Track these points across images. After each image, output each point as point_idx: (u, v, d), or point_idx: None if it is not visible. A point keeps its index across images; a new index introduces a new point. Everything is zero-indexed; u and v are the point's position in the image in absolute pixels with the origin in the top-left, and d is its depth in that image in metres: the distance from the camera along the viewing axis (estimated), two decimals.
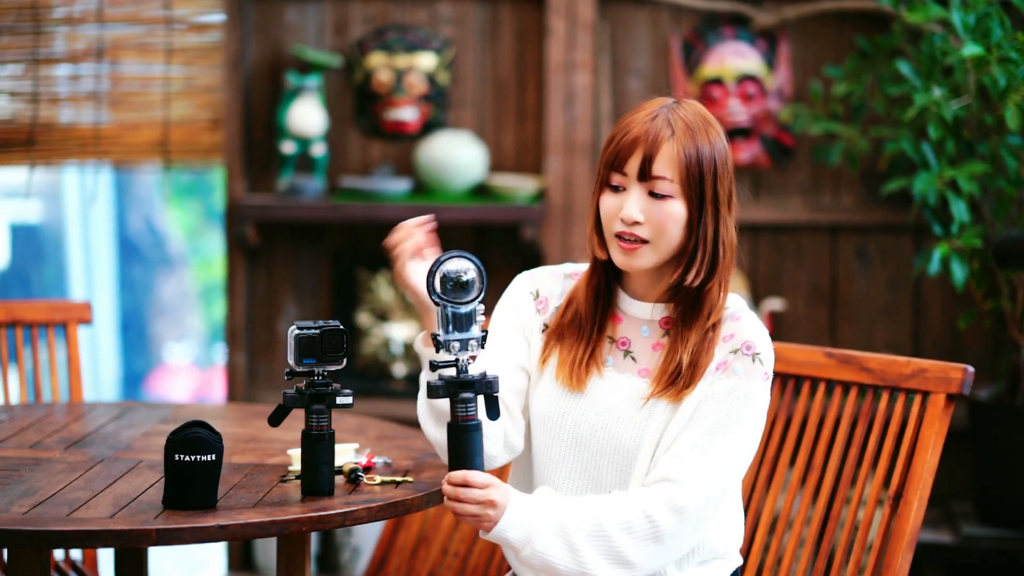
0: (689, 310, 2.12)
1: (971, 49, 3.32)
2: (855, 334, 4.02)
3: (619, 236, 2.10)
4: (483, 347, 2.01)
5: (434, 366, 2.00)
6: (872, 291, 4.03)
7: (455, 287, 2.00)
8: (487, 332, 2.03)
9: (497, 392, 2.01)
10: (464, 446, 1.99)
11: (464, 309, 2.00)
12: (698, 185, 2.08)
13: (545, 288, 2.24)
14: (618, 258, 2.11)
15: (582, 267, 2.24)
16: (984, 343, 3.98)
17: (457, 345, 2.00)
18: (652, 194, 2.08)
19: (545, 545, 2.00)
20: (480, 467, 1.99)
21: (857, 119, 3.79)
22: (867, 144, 3.77)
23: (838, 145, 3.78)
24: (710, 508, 2.05)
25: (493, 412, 2.01)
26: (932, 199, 3.51)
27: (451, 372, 2.00)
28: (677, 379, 2.09)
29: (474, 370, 2.00)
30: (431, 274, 2.00)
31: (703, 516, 2.05)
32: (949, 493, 3.94)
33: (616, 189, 2.10)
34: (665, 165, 2.07)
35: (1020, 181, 3.49)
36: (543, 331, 2.21)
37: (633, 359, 2.15)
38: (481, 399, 2.01)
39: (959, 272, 3.46)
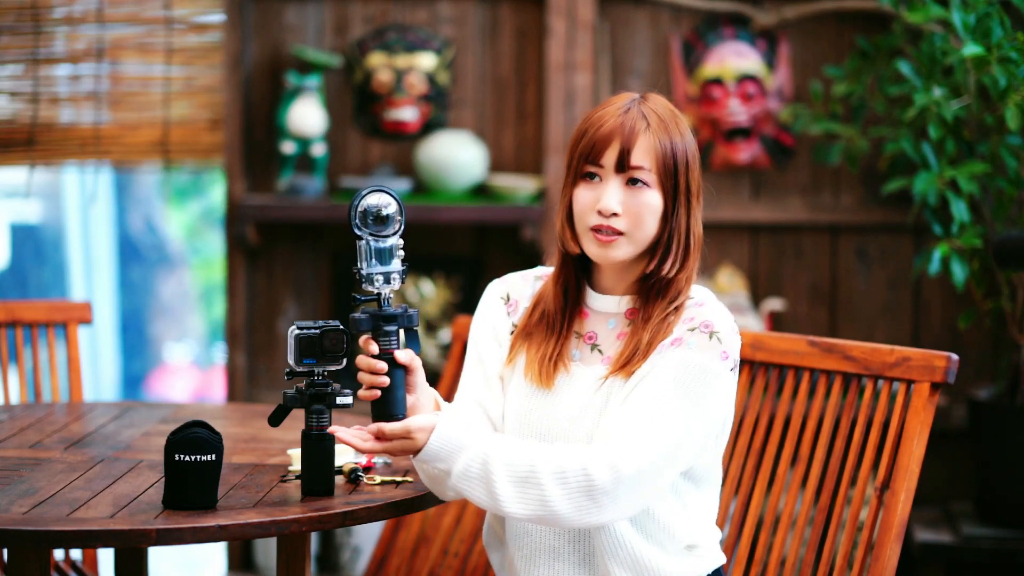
0: (654, 297, 2.13)
1: (971, 49, 3.32)
2: (855, 334, 4.02)
3: (596, 229, 2.10)
4: (403, 281, 2.07)
5: (356, 301, 2.07)
6: (872, 291, 4.03)
7: (376, 220, 2.06)
8: (407, 265, 2.09)
9: (416, 325, 2.07)
10: (389, 377, 2.05)
11: (385, 243, 2.06)
12: (673, 176, 2.10)
13: (516, 291, 2.25)
14: (593, 251, 2.12)
15: (552, 269, 2.24)
16: (984, 343, 3.98)
17: (380, 278, 2.06)
18: (631, 182, 2.09)
19: (462, 469, 2.03)
20: (403, 399, 2.06)
21: (857, 119, 3.79)
22: (867, 144, 3.77)
23: (838, 145, 3.78)
24: (650, 475, 2.03)
25: (415, 345, 2.08)
26: (932, 199, 3.51)
27: (374, 306, 2.07)
28: (634, 356, 2.10)
29: (395, 306, 2.07)
30: (352, 208, 2.05)
31: (640, 481, 2.02)
32: (949, 493, 3.94)
33: (591, 180, 2.11)
34: (643, 155, 2.09)
35: (1020, 181, 3.49)
36: (512, 333, 2.23)
37: (600, 351, 2.17)
38: (402, 332, 2.08)
39: (959, 272, 3.46)
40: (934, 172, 3.49)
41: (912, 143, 3.54)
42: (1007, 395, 3.66)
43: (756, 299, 4.03)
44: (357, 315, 2.05)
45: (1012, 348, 3.67)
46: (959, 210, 3.46)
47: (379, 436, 2.04)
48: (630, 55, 4.04)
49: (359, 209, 2.06)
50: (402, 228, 2.07)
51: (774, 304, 3.97)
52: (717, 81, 3.98)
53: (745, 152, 3.99)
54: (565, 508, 2.02)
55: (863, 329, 4.02)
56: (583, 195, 2.12)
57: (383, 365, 2.04)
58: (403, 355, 2.06)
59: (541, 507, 2.02)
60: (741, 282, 3.97)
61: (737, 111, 3.97)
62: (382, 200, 2.06)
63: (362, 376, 2.06)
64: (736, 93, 3.97)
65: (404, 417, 2.06)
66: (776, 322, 4.01)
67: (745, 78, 3.97)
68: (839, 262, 4.04)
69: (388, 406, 2.05)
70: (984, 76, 3.38)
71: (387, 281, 2.06)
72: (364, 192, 2.06)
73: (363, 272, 2.06)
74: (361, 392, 2.08)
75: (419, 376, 2.11)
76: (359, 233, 2.05)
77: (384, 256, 2.06)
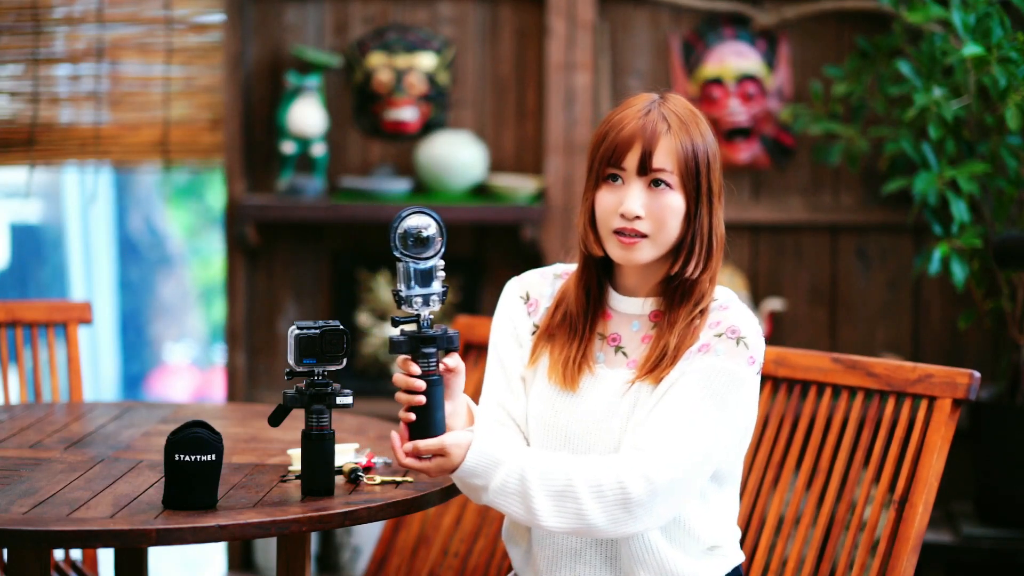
0: (678, 301, 2.13)
1: (971, 49, 3.32)
2: (855, 334, 4.02)
3: (619, 232, 2.10)
4: (443, 302, 2.06)
5: (396, 322, 2.05)
6: (872, 291, 4.03)
7: (416, 243, 2.04)
8: (447, 288, 2.07)
9: (456, 347, 2.06)
10: (428, 400, 2.03)
11: (425, 265, 2.04)
12: (695, 177, 2.10)
13: (535, 290, 2.25)
14: (617, 253, 2.12)
15: (572, 267, 2.24)
16: (984, 343, 3.98)
17: (419, 300, 2.04)
18: (653, 184, 2.09)
19: (500, 485, 2.03)
20: (442, 420, 2.05)
21: (857, 119, 3.79)
22: (867, 144, 3.77)
23: (838, 145, 3.78)
24: (683, 485, 2.05)
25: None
26: (932, 199, 3.51)
27: (413, 327, 2.05)
28: (661, 361, 2.10)
29: (435, 326, 2.05)
30: (392, 229, 2.03)
31: (674, 491, 2.04)
32: (949, 493, 3.94)
33: (613, 183, 2.11)
34: (665, 157, 2.09)
35: (1020, 181, 3.49)
36: (533, 333, 2.22)
37: (624, 354, 2.16)
38: (441, 355, 2.07)
39: (959, 272, 3.46)
40: (934, 172, 3.49)
41: (912, 143, 3.54)
42: (1007, 395, 3.66)
43: (756, 299, 4.03)
44: (395, 337, 2.03)
45: (1012, 348, 3.67)
46: (959, 210, 3.46)
47: (415, 454, 2.03)
48: (630, 55, 4.04)
49: (399, 231, 2.03)
50: (443, 249, 2.05)
51: (774, 304, 3.97)
52: (717, 81, 3.98)
53: (745, 152, 3.99)
54: (601, 520, 2.03)
55: (863, 329, 4.02)
56: (605, 198, 2.12)
57: (421, 384, 2.03)
58: (452, 360, 2.06)
59: (577, 520, 2.03)
60: (741, 282, 3.97)
61: (737, 111, 3.97)
62: (422, 222, 2.04)
63: (399, 396, 2.05)
64: (736, 93, 3.97)
65: None
66: (776, 322, 4.01)
67: (745, 78, 3.97)
68: (839, 262, 4.04)
69: (426, 428, 2.04)
70: (984, 76, 3.38)
71: (426, 303, 2.04)
72: (404, 214, 2.04)
73: (402, 294, 2.03)
74: (400, 413, 2.07)
75: (459, 380, 2.11)
76: (398, 255, 2.03)
77: (424, 278, 2.04)
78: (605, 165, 2.11)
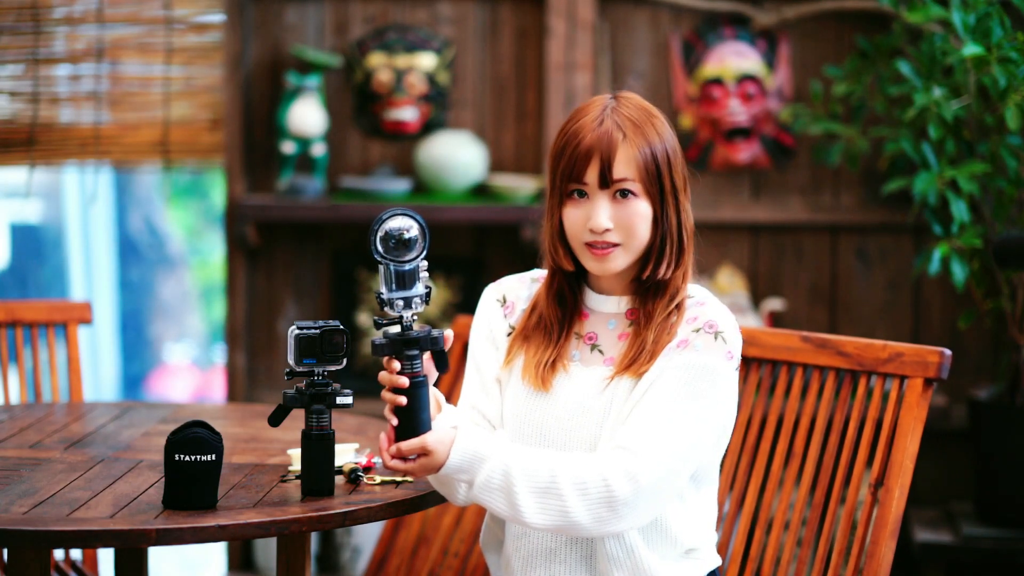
0: (652, 296, 2.14)
1: (971, 49, 3.32)
2: (855, 334, 4.01)
3: (590, 245, 2.11)
4: (427, 303, 2.04)
5: (378, 325, 2.03)
6: (872, 291, 4.03)
7: (397, 245, 2.02)
8: (431, 288, 2.05)
9: (442, 347, 2.04)
10: (412, 401, 2.02)
11: (407, 267, 2.02)
12: (657, 180, 2.11)
13: (512, 293, 2.26)
14: (592, 266, 2.13)
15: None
16: (984, 343, 3.98)
17: (401, 303, 2.02)
18: (619, 194, 2.09)
19: (484, 481, 2.03)
20: (427, 421, 2.03)
21: (857, 119, 3.79)
22: (867, 144, 3.77)
23: (838, 145, 3.78)
24: (666, 483, 2.05)
25: (442, 366, 2.06)
26: (932, 199, 3.51)
27: (396, 329, 2.03)
28: (640, 356, 2.10)
29: (418, 327, 2.03)
30: (373, 232, 2.01)
31: (658, 489, 2.04)
32: (949, 493, 3.94)
33: (578, 197, 2.11)
34: (624, 167, 2.09)
35: (1020, 181, 3.49)
36: (508, 334, 2.23)
37: (600, 352, 2.17)
38: (428, 355, 2.05)
39: (959, 272, 3.46)
40: (934, 172, 3.49)
41: (912, 143, 3.54)
42: (1007, 395, 3.66)
43: (756, 299, 4.03)
44: (377, 340, 2.02)
45: (1012, 348, 3.66)
46: (959, 210, 3.46)
47: (399, 455, 2.03)
48: (630, 55, 4.04)
49: (379, 233, 2.01)
50: (425, 250, 2.03)
51: (774, 304, 3.97)
52: (717, 81, 3.98)
53: (745, 152, 3.99)
54: (585, 519, 2.03)
55: (863, 329, 4.02)
56: (572, 214, 2.12)
57: (404, 381, 2.02)
58: (450, 333, 2.05)
59: (561, 518, 2.03)
60: (741, 282, 3.97)
61: (737, 111, 3.97)
62: (404, 223, 2.02)
63: (384, 395, 2.05)
64: (736, 93, 3.97)
65: None
66: (776, 322, 4.01)
67: (745, 78, 3.97)
68: (839, 262, 4.04)
69: (411, 429, 2.03)
70: (984, 76, 3.38)
71: (408, 306, 2.02)
72: (385, 216, 2.02)
73: (383, 296, 2.02)
74: (385, 412, 2.07)
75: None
76: (379, 258, 2.02)
77: (406, 280, 2.02)
78: (567, 181, 2.11)
